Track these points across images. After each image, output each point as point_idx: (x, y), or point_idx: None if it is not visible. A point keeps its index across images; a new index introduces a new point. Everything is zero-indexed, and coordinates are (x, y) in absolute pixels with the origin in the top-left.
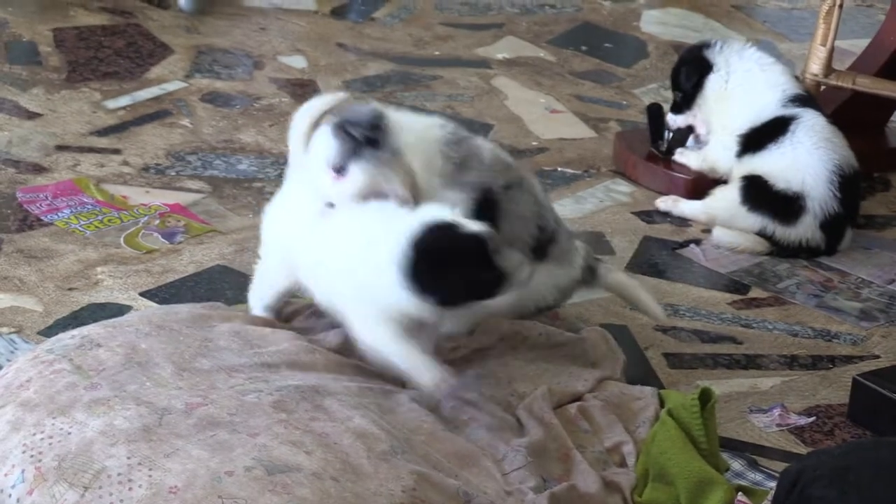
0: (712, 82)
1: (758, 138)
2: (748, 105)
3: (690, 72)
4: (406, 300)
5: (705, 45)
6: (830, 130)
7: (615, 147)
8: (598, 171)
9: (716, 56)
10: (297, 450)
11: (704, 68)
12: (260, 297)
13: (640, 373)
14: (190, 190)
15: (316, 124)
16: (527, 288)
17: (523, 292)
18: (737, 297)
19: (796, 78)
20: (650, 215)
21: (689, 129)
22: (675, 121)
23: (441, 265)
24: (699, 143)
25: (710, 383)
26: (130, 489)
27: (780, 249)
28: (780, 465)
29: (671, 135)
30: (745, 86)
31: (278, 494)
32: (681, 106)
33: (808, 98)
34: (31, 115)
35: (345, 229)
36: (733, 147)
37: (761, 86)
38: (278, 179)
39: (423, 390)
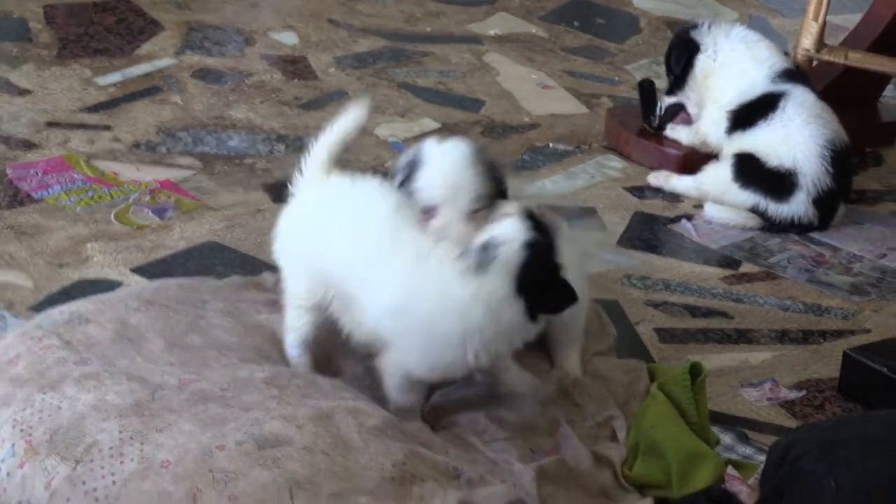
0: (701, 62)
1: (748, 115)
2: (736, 80)
3: (679, 55)
4: (515, 317)
5: (693, 27)
6: (820, 106)
7: (607, 123)
8: (589, 147)
9: (703, 36)
10: (288, 424)
11: (692, 49)
12: (295, 331)
13: (630, 347)
14: (181, 166)
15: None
16: None
17: None
18: (728, 272)
19: (785, 54)
20: (642, 191)
21: (681, 106)
22: (667, 102)
23: (554, 262)
24: (688, 124)
25: (701, 358)
26: (122, 463)
27: (772, 225)
28: (770, 439)
29: (663, 110)
30: (732, 62)
31: (268, 468)
32: (673, 87)
33: (797, 73)
34: (22, 92)
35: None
36: (723, 122)
37: (748, 62)
38: (269, 156)
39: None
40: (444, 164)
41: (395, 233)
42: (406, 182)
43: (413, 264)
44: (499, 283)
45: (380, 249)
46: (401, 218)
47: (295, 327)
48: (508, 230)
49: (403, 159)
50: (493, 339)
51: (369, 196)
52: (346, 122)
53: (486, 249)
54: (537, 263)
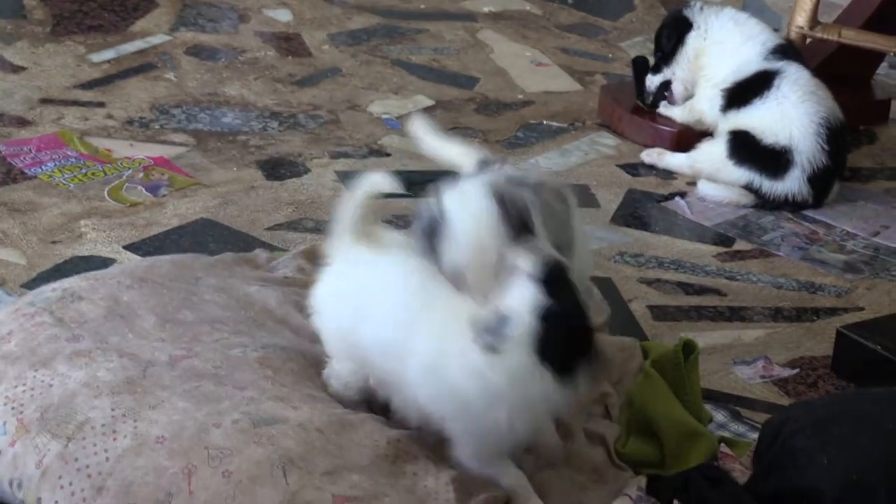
0: (692, 39)
1: (742, 93)
2: (729, 58)
3: (671, 33)
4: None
5: (686, 6)
6: (815, 83)
7: (601, 100)
8: (583, 125)
9: (695, 15)
10: (284, 405)
11: (684, 28)
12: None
13: (623, 325)
14: (174, 143)
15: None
16: None
17: None
18: (721, 249)
19: (775, 30)
20: (635, 168)
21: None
22: (652, 81)
23: (581, 319)
24: (672, 102)
25: (694, 335)
26: (115, 439)
27: (765, 203)
28: (763, 417)
29: (650, 89)
30: (723, 40)
31: (263, 446)
32: (659, 65)
33: (789, 49)
34: (16, 69)
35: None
36: (717, 100)
37: (739, 38)
38: (263, 133)
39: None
40: (466, 226)
41: (424, 300)
42: (428, 248)
43: (439, 328)
44: (518, 357)
45: (410, 320)
46: (428, 285)
47: (341, 396)
48: (520, 301)
49: (422, 219)
50: (525, 409)
51: (393, 269)
52: (365, 191)
53: (499, 326)
54: (557, 337)
